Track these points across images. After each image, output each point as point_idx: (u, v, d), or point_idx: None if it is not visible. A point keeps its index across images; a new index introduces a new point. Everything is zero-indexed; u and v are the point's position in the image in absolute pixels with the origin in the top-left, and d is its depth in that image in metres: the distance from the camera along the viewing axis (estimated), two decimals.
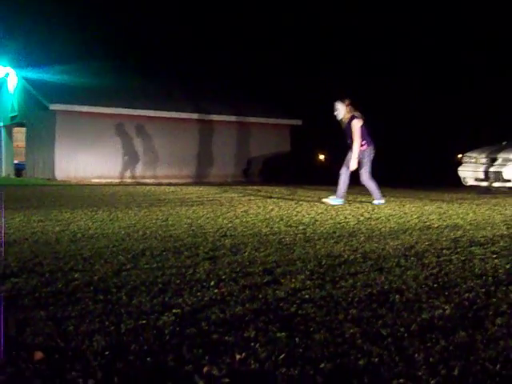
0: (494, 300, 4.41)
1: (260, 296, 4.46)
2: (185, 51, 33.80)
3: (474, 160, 16.94)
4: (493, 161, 16.56)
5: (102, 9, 33.88)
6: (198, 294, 4.51)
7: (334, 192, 13.64)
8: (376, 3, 38.94)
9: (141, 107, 26.45)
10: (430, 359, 3.15)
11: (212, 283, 4.85)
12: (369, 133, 13.47)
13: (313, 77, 38.46)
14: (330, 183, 21.10)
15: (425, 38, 38.24)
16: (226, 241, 7.16)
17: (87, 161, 25.93)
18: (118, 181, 25.39)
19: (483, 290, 4.72)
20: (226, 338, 3.47)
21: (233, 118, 28.46)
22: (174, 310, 4.03)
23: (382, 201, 13.39)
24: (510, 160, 16.22)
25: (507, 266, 5.64)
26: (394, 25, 38.57)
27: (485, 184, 16.72)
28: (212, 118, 27.98)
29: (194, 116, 27.58)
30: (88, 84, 27.23)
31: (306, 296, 4.46)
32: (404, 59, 38.28)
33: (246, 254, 6.24)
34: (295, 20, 38.37)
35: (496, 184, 16.49)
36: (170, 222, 9.19)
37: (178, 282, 4.91)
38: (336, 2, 39.02)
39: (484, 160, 16.74)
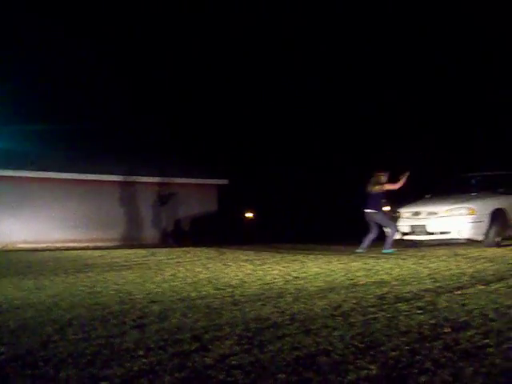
0: (419, 357, 4.52)
1: (189, 364, 4.49)
2: (109, 111, 33.66)
3: (398, 215, 17.22)
4: (417, 214, 16.88)
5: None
6: (127, 364, 4.51)
7: (259, 251, 13.74)
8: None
9: (64, 170, 26.27)
10: None
11: (140, 352, 4.86)
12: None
13: (238, 137, 38.71)
14: (258, 242, 21.23)
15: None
16: (154, 307, 7.15)
17: (12, 226, 25.58)
18: (44, 245, 25.07)
19: (408, 347, 4.82)
20: None
21: (159, 179, 28.46)
22: (102, 383, 4.03)
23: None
24: (433, 213, 16.55)
25: (432, 322, 5.76)
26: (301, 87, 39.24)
27: (411, 238, 17.00)
28: (138, 179, 27.92)
29: (120, 178, 27.48)
30: (7, 147, 26.86)
31: (234, 362, 4.50)
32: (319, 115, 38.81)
33: (175, 320, 6.25)
34: (217, 79, 38.60)
35: (422, 237, 16.78)
36: (98, 289, 9.13)
37: (106, 352, 4.90)
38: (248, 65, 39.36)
39: (408, 214, 17.04)
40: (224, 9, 39.84)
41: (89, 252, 18.94)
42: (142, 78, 37.24)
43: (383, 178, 16.28)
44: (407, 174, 16.16)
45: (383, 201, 16.36)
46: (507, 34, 34.06)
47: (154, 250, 19.29)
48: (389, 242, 16.02)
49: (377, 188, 16.13)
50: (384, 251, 15.55)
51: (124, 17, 38.67)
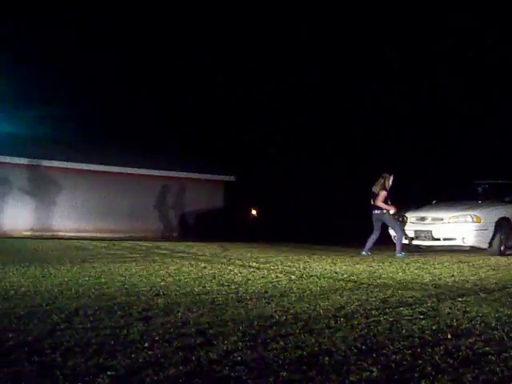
0: (420, 362, 4.57)
1: (193, 358, 4.55)
2: (116, 102, 33.74)
3: (404, 219, 17.26)
4: (422, 220, 16.92)
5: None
6: (133, 355, 4.58)
7: (263, 249, 13.81)
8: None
9: (72, 160, 26.33)
10: None
11: (146, 344, 4.92)
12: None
13: (246, 134, 38.73)
14: (263, 239, 21.28)
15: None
16: (159, 300, 7.21)
17: (17, 213, 25.63)
18: (49, 234, 25.14)
19: (410, 351, 4.87)
20: None
21: (166, 173, 28.50)
22: (108, 372, 4.10)
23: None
24: (439, 219, 16.59)
25: (433, 327, 5.81)
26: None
27: (415, 242, 17.04)
28: (145, 172, 27.98)
29: (127, 170, 27.55)
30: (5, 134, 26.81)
31: (238, 358, 4.57)
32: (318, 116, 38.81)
33: (179, 314, 6.31)
34: (227, 77, 38.62)
35: (426, 243, 16.83)
36: (103, 280, 9.19)
37: (112, 342, 4.96)
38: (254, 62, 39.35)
39: (414, 219, 17.08)
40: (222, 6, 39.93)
41: (94, 242, 19.02)
42: (154, 74, 37.29)
43: (388, 180, 16.43)
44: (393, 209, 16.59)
45: (389, 202, 16.48)
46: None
47: (158, 243, 19.37)
48: (399, 245, 16.21)
49: (380, 189, 16.34)
50: (398, 255, 15.74)
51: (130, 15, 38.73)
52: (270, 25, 39.57)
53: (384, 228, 16.90)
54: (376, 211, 16.50)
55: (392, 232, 17.10)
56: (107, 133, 29.91)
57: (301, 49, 39.54)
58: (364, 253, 16.09)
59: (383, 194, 16.42)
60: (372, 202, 16.64)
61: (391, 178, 16.66)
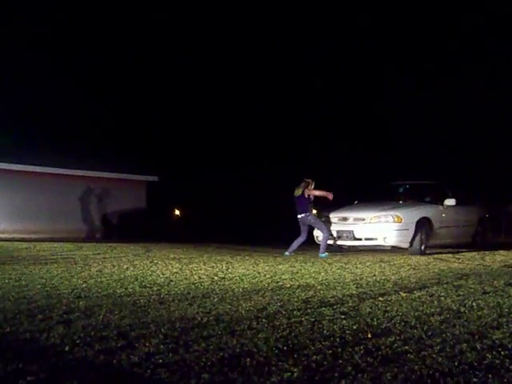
0: (340, 361, 4.62)
1: (114, 361, 4.52)
2: (36, 101, 33.26)
3: (326, 219, 17.39)
4: (344, 220, 17.07)
5: None
6: (53, 359, 4.52)
7: (186, 250, 13.78)
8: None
9: None
10: None
11: (67, 348, 4.87)
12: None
13: (170, 135, 38.61)
14: (186, 240, 21.22)
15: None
16: (81, 303, 7.14)
17: None
18: None
19: (330, 351, 4.92)
20: None
21: (88, 173, 28.18)
22: (28, 378, 4.04)
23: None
24: (360, 219, 16.77)
25: (354, 327, 5.87)
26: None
27: (337, 243, 17.18)
28: (67, 172, 27.62)
29: (50, 170, 27.14)
30: None
31: (160, 360, 4.55)
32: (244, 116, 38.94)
33: (101, 316, 6.26)
34: (150, 76, 38.39)
35: (348, 243, 16.99)
36: (24, 283, 9.06)
37: (32, 347, 4.90)
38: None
39: (336, 219, 17.21)
40: None
41: (15, 244, 18.71)
42: (75, 71, 36.85)
43: (310, 184, 16.60)
44: (330, 195, 16.72)
45: (310, 205, 16.65)
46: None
47: (80, 244, 19.16)
48: (323, 245, 16.37)
49: (305, 192, 16.47)
50: (321, 256, 15.88)
51: None
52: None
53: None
54: (300, 215, 16.64)
55: (317, 233, 17.25)
56: (28, 132, 29.43)
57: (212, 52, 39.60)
58: (287, 253, 16.20)
59: (313, 192, 16.79)
60: (296, 207, 16.80)
61: (312, 182, 16.91)
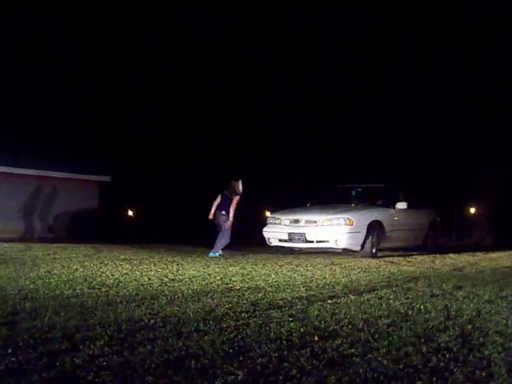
0: (286, 364, 4.62)
1: (57, 364, 4.46)
2: None
3: (278, 221, 17.40)
4: (296, 222, 17.09)
5: None
6: None
7: (138, 251, 13.71)
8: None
9: None
10: None
11: (9, 350, 4.80)
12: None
13: (123, 135, 38.40)
14: (138, 241, 21.11)
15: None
16: (27, 304, 7.05)
17: None
18: None
19: (276, 354, 4.92)
20: None
21: (39, 173, 27.84)
22: None
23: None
24: (312, 222, 16.80)
25: (302, 330, 5.88)
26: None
27: (288, 245, 17.20)
28: (18, 171, 27.29)
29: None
30: None
31: (104, 363, 4.51)
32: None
33: (47, 318, 6.19)
34: (100, 74, 38.12)
35: (299, 245, 17.00)
36: None
37: None
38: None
39: (288, 221, 17.24)
40: None
41: None
42: (26, 65, 36.43)
43: (238, 187, 17.10)
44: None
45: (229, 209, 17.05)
46: None
47: (30, 244, 18.95)
48: (218, 246, 16.81)
49: (230, 193, 17.07)
50: (211, 254, 16.39)
51: None
52: None
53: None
54: (219, 211, 17.07)
55: (268, 235, 17.34)
56: None
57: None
58: (212, 254, 16.54)
59: (236, 199, 17.05)
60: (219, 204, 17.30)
61: (239, 183, 17.13)
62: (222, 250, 16.77)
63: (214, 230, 17.15)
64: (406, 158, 34.53)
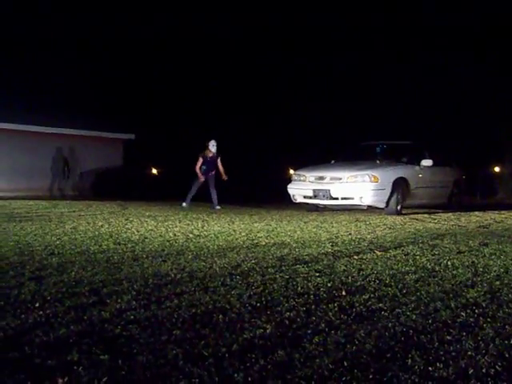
0: (314, 318, 4.59)
1: (85, 317, 4.47)
2: (11, 56, 32.81)
3: (302, 178, 17.33)
4: (321, 179, 17.01)
5: None
6: (23, 316, 4.46)
7: (162, 208, 13.73)
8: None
9: None
10: (249, 379, 3.26)
11: (37, 304, 4.81)
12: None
13: (147, 92, 38.36)
14: (163, 198, 21.16)
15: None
16: (54, 259, 7.07)
17: None
18: None
19: (304, 308, 4.89)
20: (49, 361, 3.47)
21: (63, 131, 27.90)
22: None
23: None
24: (337, 178, 16.71)
25: (329, 285, 5.85)
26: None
27: (313, 201, 17.14)
28: (42, 129, 27.32)
29: (22, 127, 26.81)
30: None
31: (131, 317, 4.50)
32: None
33: (73, 273, 6.20)
34: (129, 38, 38.00)
35: (324, 202, 16.94)
36: None
37: (1, 303, 4.83)
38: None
39: (312, 178, 17.17)
40: None
41: None
42: (54, 30, 36.38)
43: (208, 147, 19.11)
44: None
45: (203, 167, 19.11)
46: None
47: (56, 201, 19.03)
48: (215, 199, 18.83)
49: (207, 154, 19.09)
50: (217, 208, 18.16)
51: None
52: None
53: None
54: (210, 173, 19.24)
55: (293, 192, 17.36)
56: None
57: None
58: (214, 208, 18.11)
59: (199, 160, 19.04)
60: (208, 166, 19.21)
61: (210, 143, 19.00)
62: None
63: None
64: (432, 116, 34.29)
